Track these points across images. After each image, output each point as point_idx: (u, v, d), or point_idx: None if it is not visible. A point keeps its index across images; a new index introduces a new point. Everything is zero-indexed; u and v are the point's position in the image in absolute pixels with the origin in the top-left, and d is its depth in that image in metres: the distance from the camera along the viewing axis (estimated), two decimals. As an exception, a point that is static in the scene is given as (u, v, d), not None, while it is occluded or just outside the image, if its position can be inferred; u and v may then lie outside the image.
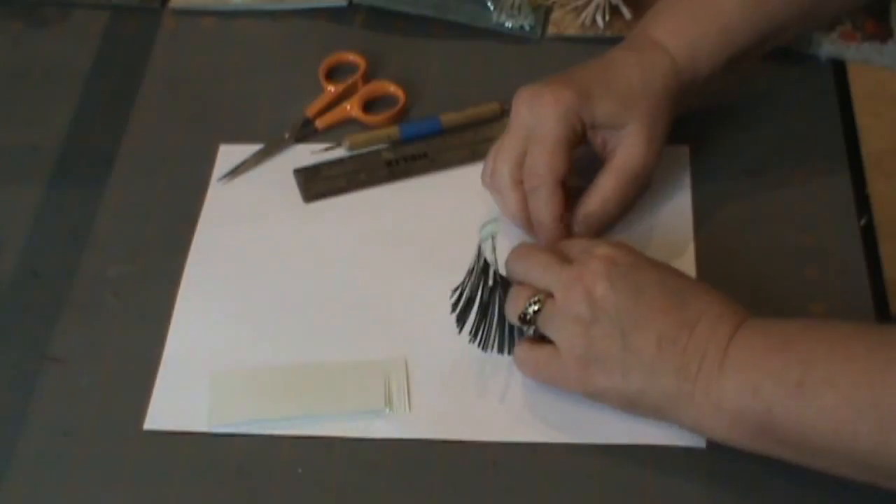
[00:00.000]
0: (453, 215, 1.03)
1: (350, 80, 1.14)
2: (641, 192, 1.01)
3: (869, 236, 1.00)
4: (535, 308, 0.87)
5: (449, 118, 1.09)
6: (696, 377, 0.84)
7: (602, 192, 0.98)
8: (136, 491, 0.90)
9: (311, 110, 1.12)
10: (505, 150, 0.98)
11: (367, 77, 1.14)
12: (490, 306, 0.92)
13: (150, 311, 1.00)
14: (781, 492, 0.87)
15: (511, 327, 0.92)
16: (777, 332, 0.84)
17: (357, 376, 0.94)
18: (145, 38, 1.21)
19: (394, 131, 1.10)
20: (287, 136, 1.10)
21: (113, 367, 0.97)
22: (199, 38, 1.21)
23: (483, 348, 0.93)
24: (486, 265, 0.90)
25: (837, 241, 0.99)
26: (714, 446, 0.88)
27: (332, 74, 1.15)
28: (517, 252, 0.91)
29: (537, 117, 0.96)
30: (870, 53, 1.11)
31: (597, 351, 0.86)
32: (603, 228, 0.99)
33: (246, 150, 1.10)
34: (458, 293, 0.93)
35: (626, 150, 0.97)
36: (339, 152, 1.09)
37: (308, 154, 1.09)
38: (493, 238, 0.89)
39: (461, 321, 0.93)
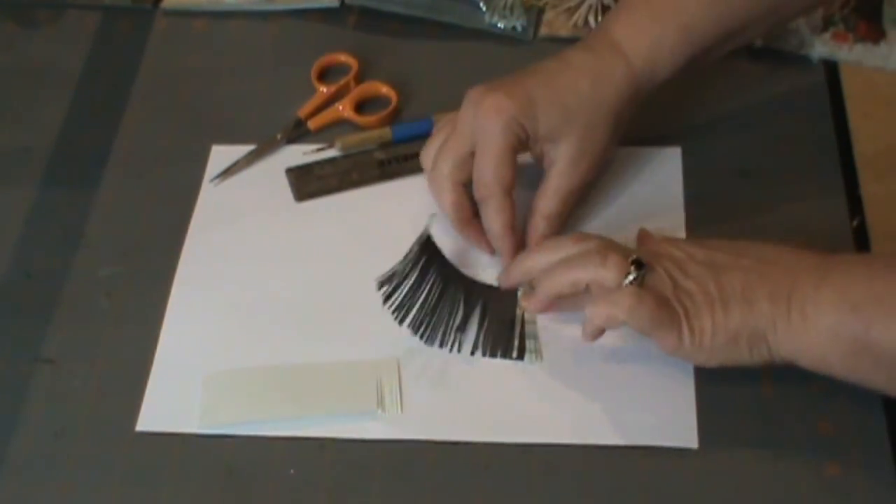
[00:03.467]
0: (445, 215, 1.03)
1: (342, 81, 1.14)
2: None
3: (861, 237, 1.00)
4: (641, 259, 0.88)
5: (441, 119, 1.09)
6: (790, 298, 0.85)
7: (544, 214, 0.98)
8: (128, 492, 0.90)
9: (303, 111, 1.12)
10: (448, 149, 0.99)
11: (360, 78, 1.14)
12: (437, 303, 0.96)
13: (143, 312, 1.00)
14: (773, 492, 0.87)
15: (456, 326, 0.95)
16: (880, 263, 0.87)
17: (349, 377, 0.94)
18: (137, 39, 1.21)
19: (386, 132, 1.10)
20: (279, 136, 1.10)
21: (105, 368, 0.97)
22: (191, 38, 1.21)
23: (428, 343, 0.96)
24: (431, 257, 0.96)
25: (830, 241, 0.99)
26: (706, 447, 0.88)
27: (325, 75, 1.15)
28: (571, 239, 0.93)
29: (481, 126, 0.96)
30: (862, 54, 1.11)
31: (696, 297, 0.87)
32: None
33: (238, 151, 1.10)
34: (394, 284, 0.96)
35: (559, 169, 0.98)
36: (332, 153, 1.09)
37: (300, 155, 1.09)
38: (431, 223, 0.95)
39: (399, 312, 0.96)
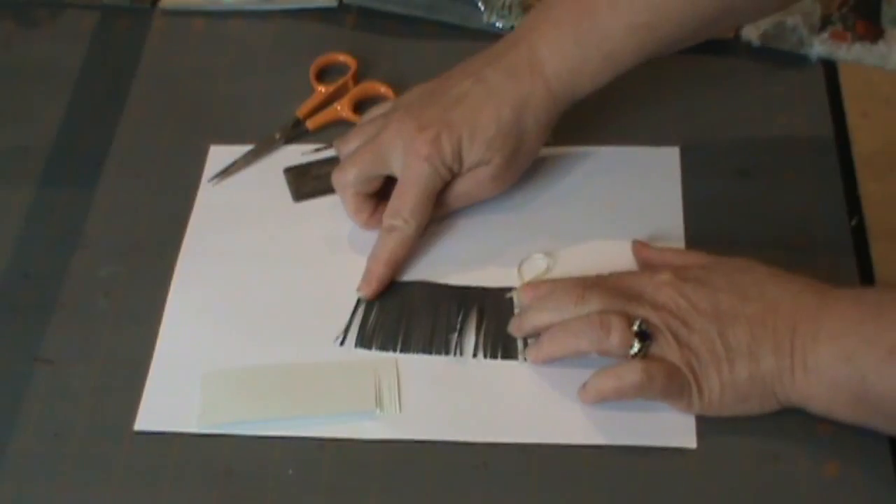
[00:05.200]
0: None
1: (341, 81, 1.13)
2: None
3: (860, 237, 1.00)
4: (645, 327, 0.88)
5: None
6: (793, 351, 0.85)
7: (446, 203, 1.01)
8: (126, 492, 0.90)
9: (301, 111, 1.12)
10: (363, 161, 1.00)
11: (358, 78, 1.14)
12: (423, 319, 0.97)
13: (141, 312, 1.00)
14: (771, 492, 0.87)
15: (456, 331, 0.95)
16: (871, 300, 0.86)
17: (347, 377, 0.94)
18: (136, 39, 1.21)
19: (384, 132, 1.10)
20: (277, 136, 1.10)
21: (104, 368, 0.97)
22: (189, 38, 1.21)
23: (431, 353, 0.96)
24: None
25: (828, 241, 0.99)
26: (704, 447, 0.88)
27: (323, 75, 1.15)
28: (568, 287, 0.92)
29: (409, 165, 0.98)
30: (861, 53, 1.11)
31: (703, 356, 0.87)
32: None
33: (236, 151, 1.09)
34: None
35: (479, 184, 1.01)
36: (330, 153, 1.09)
37: (298, 155, 1.09)
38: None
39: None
